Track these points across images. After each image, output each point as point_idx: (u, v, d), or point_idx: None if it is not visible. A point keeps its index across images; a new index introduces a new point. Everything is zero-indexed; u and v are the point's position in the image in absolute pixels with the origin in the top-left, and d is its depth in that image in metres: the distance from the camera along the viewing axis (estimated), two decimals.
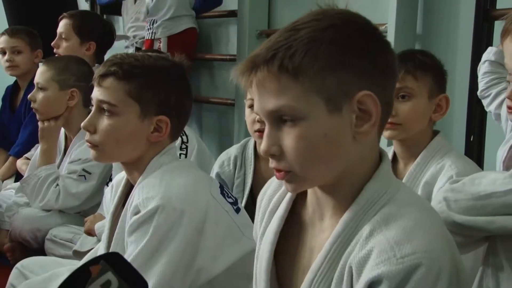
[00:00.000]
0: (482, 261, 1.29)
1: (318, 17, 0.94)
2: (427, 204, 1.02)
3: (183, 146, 2.30)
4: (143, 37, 3.55)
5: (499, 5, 2.45)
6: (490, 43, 2.43)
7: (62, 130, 2.59)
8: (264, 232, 1.07)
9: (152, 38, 3.42)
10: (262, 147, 0.95)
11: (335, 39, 0.91)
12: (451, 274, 0.88)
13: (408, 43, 2.62)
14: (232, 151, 2.13)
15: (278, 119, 0.93)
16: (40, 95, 2.48)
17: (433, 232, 0.91)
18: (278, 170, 0.95)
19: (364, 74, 0.92)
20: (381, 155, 1.00)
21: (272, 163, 0.96)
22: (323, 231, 0.99)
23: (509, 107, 1.80)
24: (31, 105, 2.55)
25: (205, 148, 2.57)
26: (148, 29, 3.44)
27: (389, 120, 1.66)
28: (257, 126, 1.89)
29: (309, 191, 1.02)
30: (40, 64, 2.56)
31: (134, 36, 3.70)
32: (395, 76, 0.99)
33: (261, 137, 1.94)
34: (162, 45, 3.38)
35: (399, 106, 1.68)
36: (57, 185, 2.47)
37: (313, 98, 0.91)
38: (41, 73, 2.49)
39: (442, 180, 1.64)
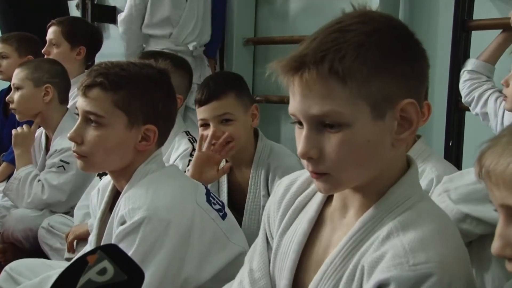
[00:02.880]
0: None
1: (362, 20, 0.89)
2: (447, 216, 0.99)
3: (193, 153, 2.21)
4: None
5: (475, 16, 2.47)
6: (468, 52, 2.44)
7: (43, 131, 2.58)
8: (286, 230, 1.04)
9: None
10: (301, 149, 0.90)
11: (380, 44, 0.87)
12: (461, 285, 0.86)
13: None
14: None
15: (320, 123, 0.89)
16: (16, 95, 2.48)
17: (449, 244, 0.89)
18: (315, 172, 0.91)
19: (405, 80, 0.89)
20: (409, 161, 0.97)
21: (308, 167, 0.91)
22: (342, 228, 0.97)
23: (505, 95, 1.83)
24: (10, 107, 2.55)
25: None
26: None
27: None
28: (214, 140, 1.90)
29: None
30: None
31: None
32: (427, 82, 0.96)
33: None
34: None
35: None
36: (39, 180, 2.45)
37: (359, 104, 0.87)
38: (16, 74, 2.51)
39: (424, 183, 1.62)
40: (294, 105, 0.90)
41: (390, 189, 0.93)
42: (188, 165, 2.15)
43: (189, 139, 2.27)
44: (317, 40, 0.88)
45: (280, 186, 1.10)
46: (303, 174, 1.07)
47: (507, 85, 1.83)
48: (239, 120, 1.93)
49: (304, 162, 0.92)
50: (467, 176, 1.18)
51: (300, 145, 0.90)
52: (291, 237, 1.02)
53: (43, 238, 2.41)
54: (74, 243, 2.21)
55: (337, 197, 1.00)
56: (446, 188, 1.20)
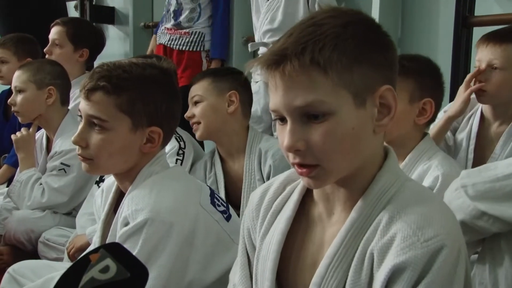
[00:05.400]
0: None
1: (334, 14, 0.92)
2: (432, 192, 1.05)
3: (180, 151, 2.27)
4: None
5: (477, 13, 2.46)
6: (469, 48, 2.44)
7: (44, 132, 2.56)
8: (266, 233, 1.04)
9: None
10: (287, 142, 0.89)
11: (355, 35, 0.89)
12: (465, 252, 0.90)
13: None
14: (205, 156, 2.24)
15: (304, 114, 0.89)
16: (19, 98, 2.46)
17: (448, 215, 0.92)
18: (303, 166, 0.91)
19: (381, 69, 0.92)
20: (386, 149, 0.99)
21: (295, 159, 0.91)
22: (333, 225, 0.97)
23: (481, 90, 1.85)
24: (12, 109, 2.52)
25: (202, 154, 2.50)
26: None
27: None
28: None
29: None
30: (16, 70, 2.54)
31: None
32: (397, 71, 0.98)
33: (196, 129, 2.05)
34: None
35: None
36: (41, 183, 2.44)
37: (342, 93, 0.88)
38: (18, 77, 2.48)
39: (429, 180, 1.60)
40: (277, 100, 0.90)
41: (377, 176, 0.95)
42: (175, 163, 2.19)
43: (175, 138, 2.26)
44: (294, 35, 0.89)
45: (254, 195, 1.10)
46: (277, 180, 1.08)
47: (485, 81, 1.83)
48: (207, 102, 2.06)
49: (290, 155, 0.91)
50: (485, 173, 1.16)
51: (286, 139, 0.90)
52: (270, 238, 1.02)
53: (41, 252, 2.41)
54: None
55: (320, 197, 1.00)
56: (463, 184, 1.18)
